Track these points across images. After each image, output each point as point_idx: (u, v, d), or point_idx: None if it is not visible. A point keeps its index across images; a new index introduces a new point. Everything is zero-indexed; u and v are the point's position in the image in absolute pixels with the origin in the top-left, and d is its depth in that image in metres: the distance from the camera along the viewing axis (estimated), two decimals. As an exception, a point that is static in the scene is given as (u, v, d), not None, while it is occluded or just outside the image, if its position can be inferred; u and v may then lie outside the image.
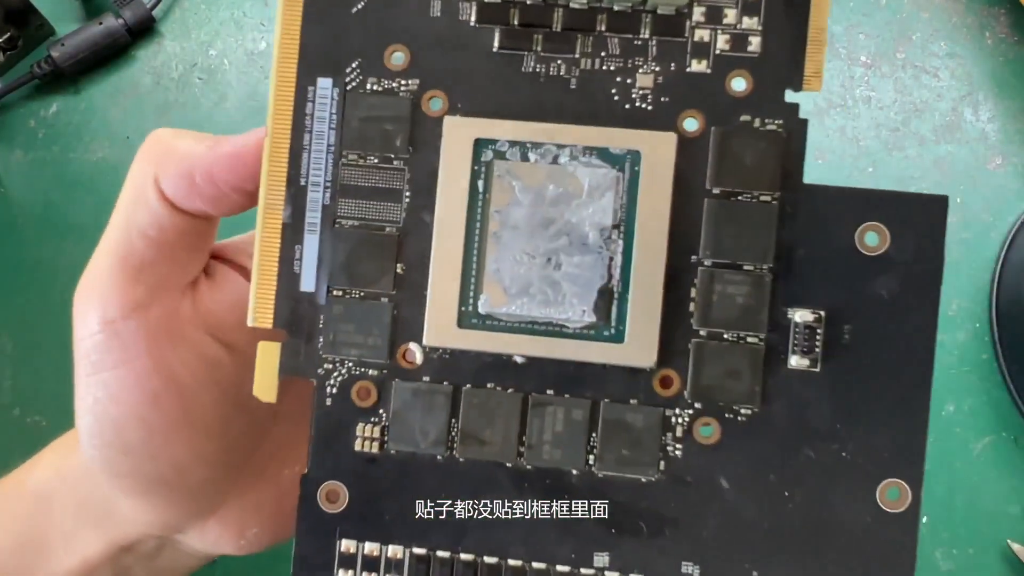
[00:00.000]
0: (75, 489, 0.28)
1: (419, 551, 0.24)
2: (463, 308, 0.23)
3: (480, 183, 0.23)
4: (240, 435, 0.27)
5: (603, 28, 0.23)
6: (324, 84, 0.24)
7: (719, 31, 0.23)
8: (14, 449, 0.43)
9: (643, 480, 0.23)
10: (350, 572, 0.24)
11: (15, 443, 0.43)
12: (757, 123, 0.23)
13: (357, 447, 0.24)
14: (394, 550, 0.24)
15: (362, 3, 0.24)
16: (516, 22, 0.24)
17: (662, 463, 0.23)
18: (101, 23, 0.46)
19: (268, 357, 0.24)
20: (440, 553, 0.24)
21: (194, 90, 0.46)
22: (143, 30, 0.46)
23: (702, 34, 0.23)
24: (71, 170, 0.46)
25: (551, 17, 0.23)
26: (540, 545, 0.23)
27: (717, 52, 0.23)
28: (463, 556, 0.24)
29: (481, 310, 0.23)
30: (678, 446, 0.23)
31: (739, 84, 0.23)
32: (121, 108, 0.46)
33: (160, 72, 0.46)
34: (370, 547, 0.24)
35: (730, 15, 0.23)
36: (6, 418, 0.44)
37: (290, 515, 0.24)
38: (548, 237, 0.23)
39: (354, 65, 0.24)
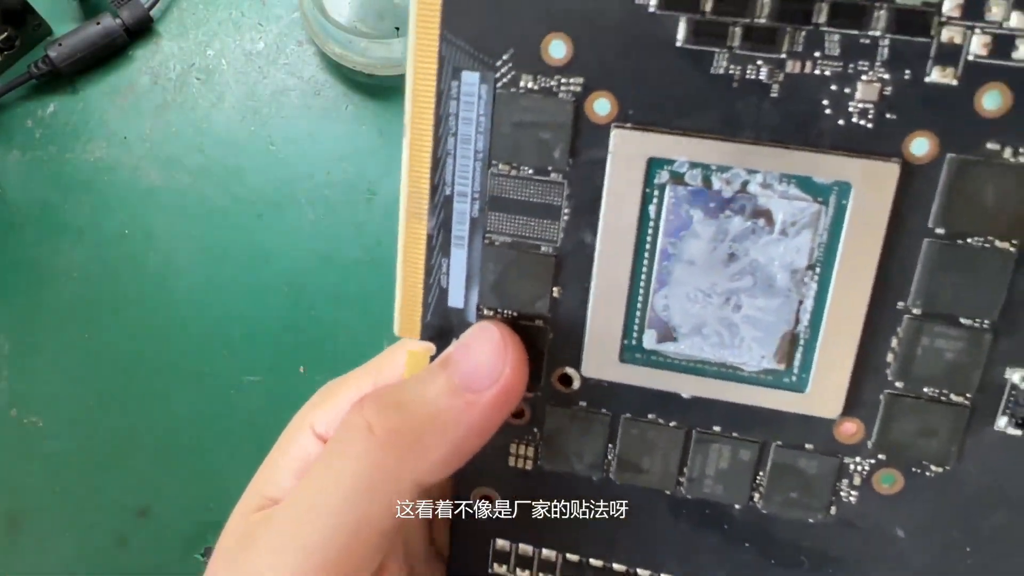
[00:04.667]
0: None
1: (572, 557, 0.23)
2: (626, 341, 0.21)
3: (651, 208, 0.20)
4: None
5: (822, 20, 0.18)
6: (470, 80, 0.20)
7: (977, 31, 0.18)
8: (11, 449, 0.44)
9: (810, 520, 0.22)
10: (504, 567, 0.24)
11: (12, 444, 0.43)
12: (1008, 153, 0.19)
13: (510, 463, 0.23)
14: (547, 553, 0.23)
15: None
16: (708, 9, 0.19)
17: (833, 508, 0.22)
18: (99, 23, 0.45)
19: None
20: (593, 561, 0.23)
21: (192, 90, 0.46)
22: (141, 30, 0.46)
23: (952, 34, 0.18)
24: (68, 170, 0.45)
25: (754, 5, 0.19)
26: (696, 565, 0.23)
27: (969, 58, 0.18)
28: (616, 567, 0.23)
29: (646, 345, 0.21)
30: (853, 493, 0.21)
31: (993, 101, 0.18)
32: (119, 108, 0.46)
33: (158, 72, 0.46)
34: (524, 548, 0.24)
35: (996, 10, 0.18)
36: (3, 419, 0.43)
37: None
38: (729, 276, 0.20)
39: (505, 57, 0.20)
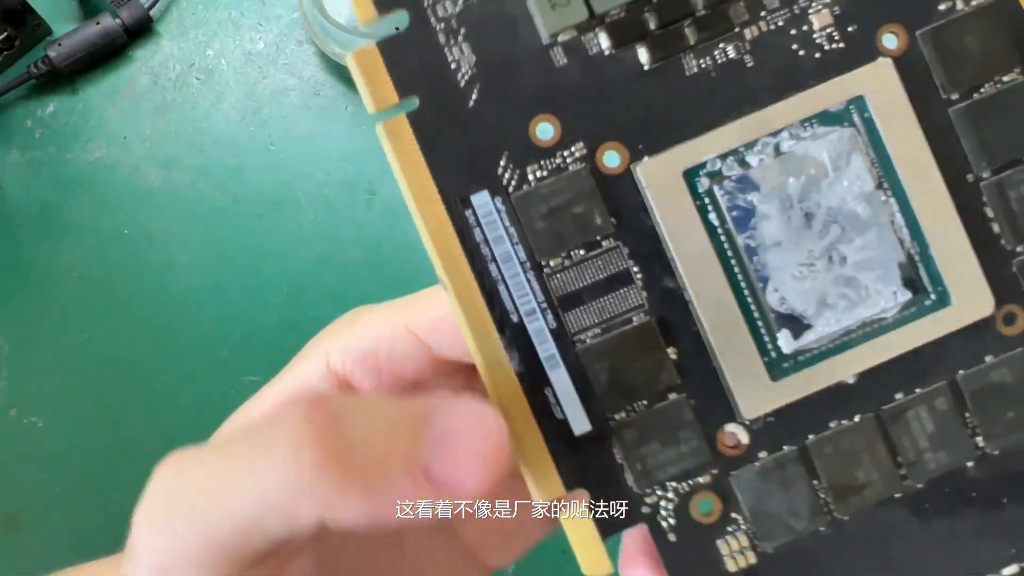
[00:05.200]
0: None
1: None
2: (766, 359, 0.20)
3: (712, 216, 0.20)
4: None
5: None
6: (481, 200, 0.20)
7: None
8: (11, 449, 0.43)
9: None
10: None
11: (11, 444, 0.43)
12: (960, 4, 0.20)
13: (731, 568, 0.20)
14: None
15: (475, 94, 0.20)
16: (654, 26, 0.20)
17: None
18: (98, 23, 0.45)
19: (581, 531, 0.20)
20: None
21: (192, 90, 0.46)
22: (140, 30, 0.46)
23: None
24: (68, 170, 0.45)
25: (687, 2, 0.20)
26: (974, 558, 0.21)
27: None
28: None
29: (786, 350, 0.20)
30: None
31: None
32: (118, 108, 0.46)
33: (158, 72, 0.46)
34: None
35: None
36: (2, 419, 0.43)
37: None
38: (817, 234, 0.20)
39: (503, 163, 0.20)
